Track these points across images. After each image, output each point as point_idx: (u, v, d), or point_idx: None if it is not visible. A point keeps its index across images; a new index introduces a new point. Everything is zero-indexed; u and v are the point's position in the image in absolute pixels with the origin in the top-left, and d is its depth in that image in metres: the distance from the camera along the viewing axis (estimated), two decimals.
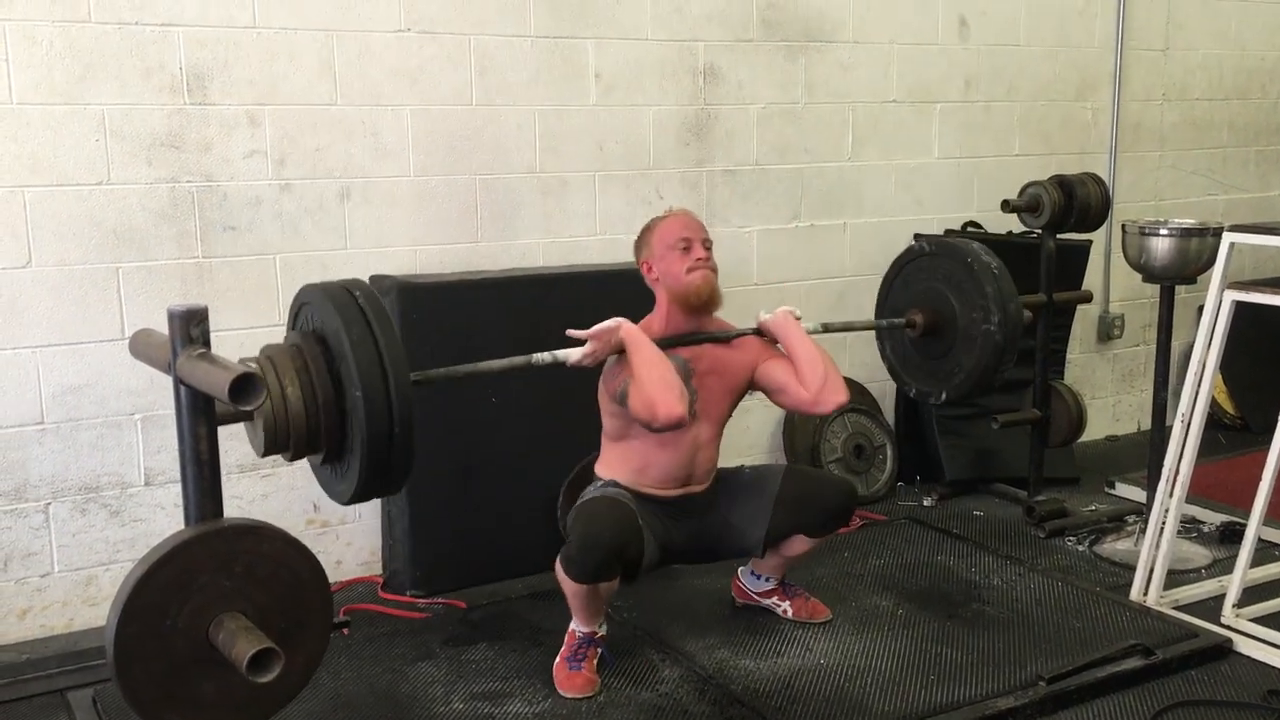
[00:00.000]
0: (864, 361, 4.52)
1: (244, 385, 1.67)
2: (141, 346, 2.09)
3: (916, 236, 4.48)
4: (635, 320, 2.90)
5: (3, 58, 3.03)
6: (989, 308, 3.17)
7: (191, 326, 1.83)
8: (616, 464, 3.00)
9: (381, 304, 2.26)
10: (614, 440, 3.00)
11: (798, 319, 3.05)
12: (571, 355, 2.79)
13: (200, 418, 1.84)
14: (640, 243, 3.03)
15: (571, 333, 2.83)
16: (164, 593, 1.74)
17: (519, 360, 2.75)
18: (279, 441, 2.12)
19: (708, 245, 2.97)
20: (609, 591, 2.90)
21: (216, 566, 1.77)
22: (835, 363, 2.99)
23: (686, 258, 2.92)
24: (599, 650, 2.97)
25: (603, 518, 2.82)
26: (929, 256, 3.39)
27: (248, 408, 1.67)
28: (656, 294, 3.01)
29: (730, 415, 3.11)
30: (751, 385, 3.08)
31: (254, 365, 2.11)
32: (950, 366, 3.31)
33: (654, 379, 2.73)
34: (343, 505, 2.37)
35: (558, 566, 2.84)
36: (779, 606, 3.28)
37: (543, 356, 2.76)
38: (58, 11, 3.07)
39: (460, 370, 2.70)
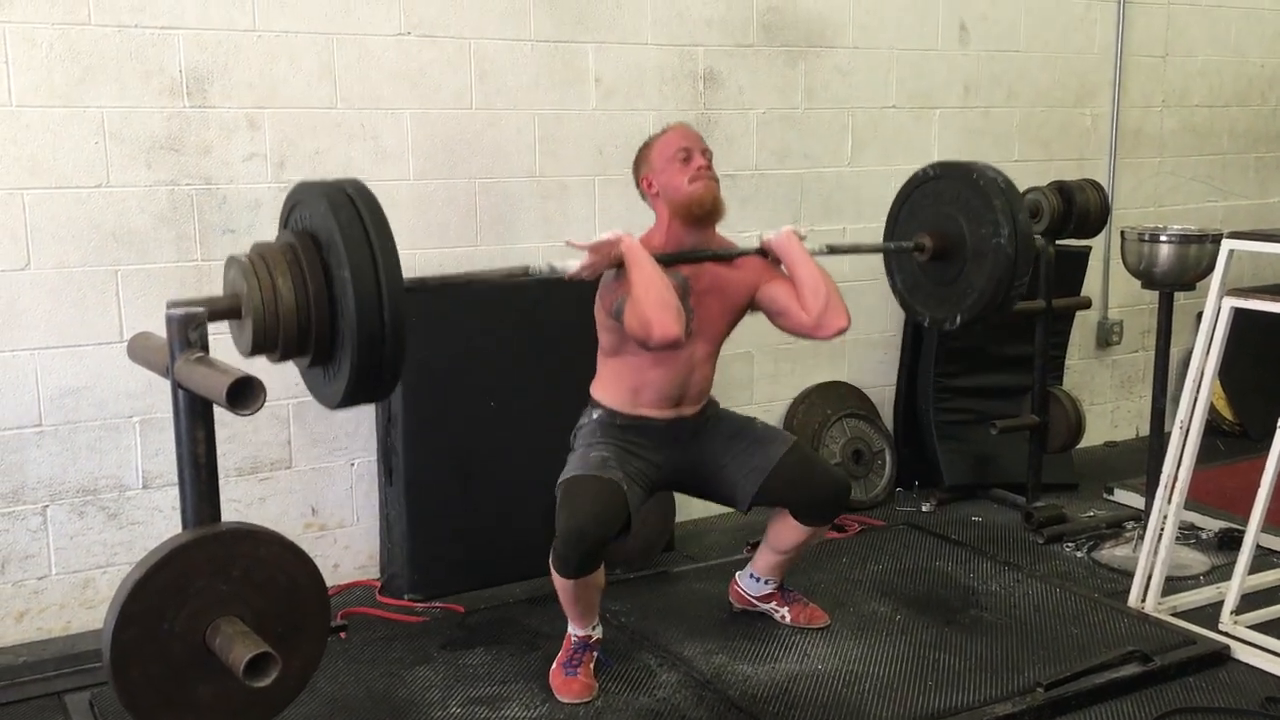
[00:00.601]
0: (862, 367, 4.53)
1: (242, 390, 1.67)
2: (140, 350, 2.08)
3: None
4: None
5: (2, 60, 3.03)
6: (998, 221, 3.03)
7: (190, 330, 1.83)
8: (611, 384, 2.96)
9: (377, 203, 2.17)
10: (609, 356, 2.96)
11: (802, 239, 2.99)
12: (570, 267, 2.73)
13: (198, 421, 1.84)
14: (639, 160, 2.98)
15: (571, 241, 2.78)
16: (161, 596, 1.73)
17: (517, 269, 2.69)
18: (267, 340, 2.05)
19: (708, 155, 2.93)
20: (599, 587, 2.89)
21: (214, 570, 1.76)
22: (837, 286, 2.94)
23: (687, 168, 2.88)
24: (595, 654, 2.96)
25: (584, 511, 2.75)
26: (934, 181, 3.25)
27: (246, 412, 1.67)
28: (656, 210, 2.96)
29: (728, 334, 3.05)
30: (752, 306, 3.03)
31: (244, 260, 2.06)
32: (962, 289, 3.17)
33: (651, 297, 2.68)
34: (331, 409, 2.27)
35: (551, 566, 2.83)
36: (777, 612, 3.28)
37: (540, 266, 2.70)
38: (57, 14, 3.07)
39: (457, 276, 2.63)
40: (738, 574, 3.33)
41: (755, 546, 3.29)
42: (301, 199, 2.22)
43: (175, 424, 1.85)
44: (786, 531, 3.10)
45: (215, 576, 1.76)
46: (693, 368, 2.96)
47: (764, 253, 3.00)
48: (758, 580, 3.28)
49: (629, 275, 2.73)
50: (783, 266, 3.00)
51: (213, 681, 1.78)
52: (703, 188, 2.88)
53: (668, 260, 2.85)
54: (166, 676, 1.75)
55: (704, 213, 2.89)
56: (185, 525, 1.88)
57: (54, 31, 3.08)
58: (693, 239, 2.93)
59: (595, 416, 2.98)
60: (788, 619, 3.26)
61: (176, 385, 1.83)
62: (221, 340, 2.83)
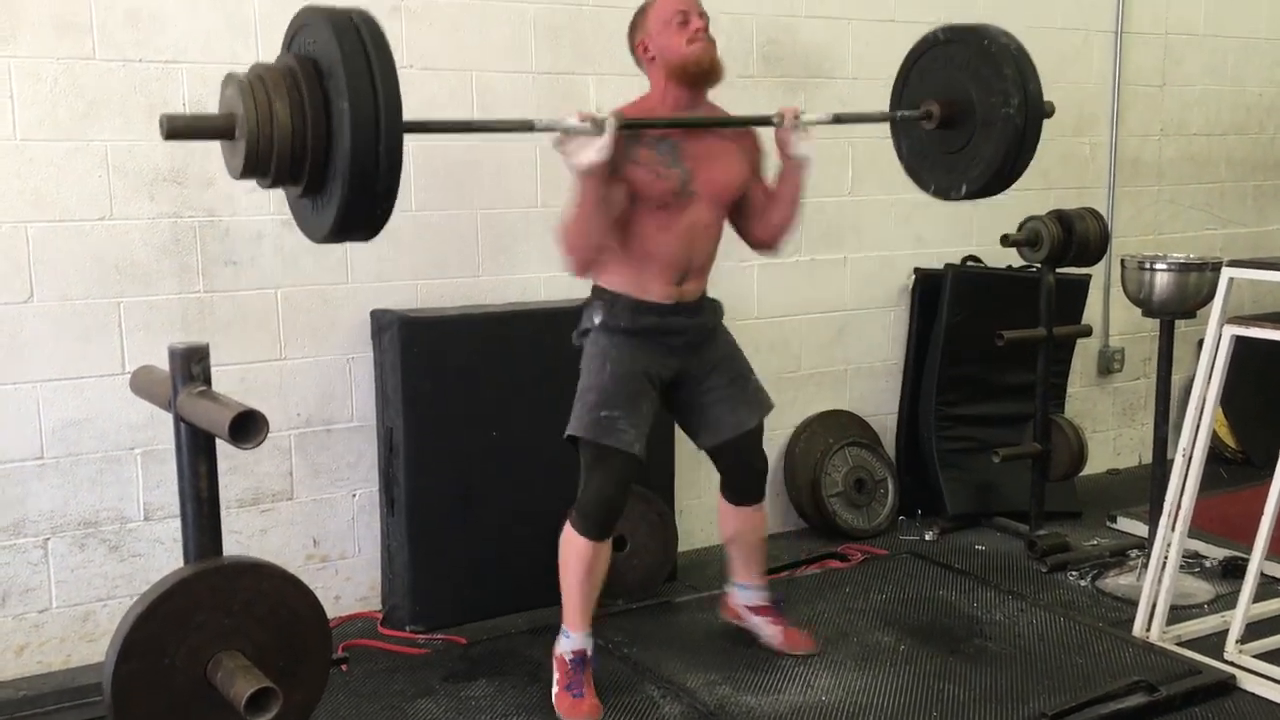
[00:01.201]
0: (864, 396, 4.53)
1: (245, 424, 1.67)
2: (143, 384, 2.09)
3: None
4: None
5: (7, 95, 3.05)
6: (1008, 90, 2.95)
7: (192, 364, 1.83)
8: (616, 259, 2.90)
9: (383, 35, 2.13)
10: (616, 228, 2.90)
11: (800, 117, 2.96)
12: (570, 126, 2.67)
13: (200, 455, 1.84)
14: (634, 25, 2.97)
15: (579, 114, 2.69)
16: (163, 630, 1.73)
17: (521, 121, 2.69)
18: (260, 164, 2.02)
19: (704, 17, 2.91)
20: (606, 565, 2.99)
21: (215, 604, 1.76)
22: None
23: (684, 30, 2.87)
24: (591, 670, 2.97)
25: (613, 481, 2.89)
26: (944, 45, 3.14)
27: (249, 446, 1.67)
28: (652, 74, 2.95)
29: (731, 203, 3.01)
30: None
31: (242, 79, 2.02)
32: (969, 157, 3.08)
33: (578, 224, 2.76)
34: (316, 242, 2.24)
35: (569, 530, 2.92)
36: (767, 629, 3.27)
37: (542, 120, 2.68)
38: (63, 49, 3.09)
39: (455, 123, 2.60)
40: (726, 586, 3.36)
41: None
42: (308, 22, 2.18)
43: (177, 458, 1.85)
44: (728, 518, 3.19)
45: (217, 610, 1.75)
46: (695, 234, 2.93)
47: (772, 125, 2.97)
48: (744, 588, 3.28)
49: (575, 192, 2.73)
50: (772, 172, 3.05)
51: (214, 716, 1.77)
52: (700, 49, 2.88)
53: (683, 123, 2.89)
54: (167, 711, 1.74)
55: (701, 72, 2.90)
56: (187, 558, 1.88)
57: (59, 66, 3.10)
58: (688, 101, 2.93)
59: (600, 321, 2.94)
60: (775, 640, 3.25)
61: (179, 419, 1.83)
62: (222, 373, 2.84)
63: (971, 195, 3.14)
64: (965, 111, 3.07)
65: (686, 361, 3.02)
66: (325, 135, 2.05)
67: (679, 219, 2.89)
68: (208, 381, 1.83)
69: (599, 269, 2.95)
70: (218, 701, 1.73)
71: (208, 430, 1.77)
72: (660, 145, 2.86)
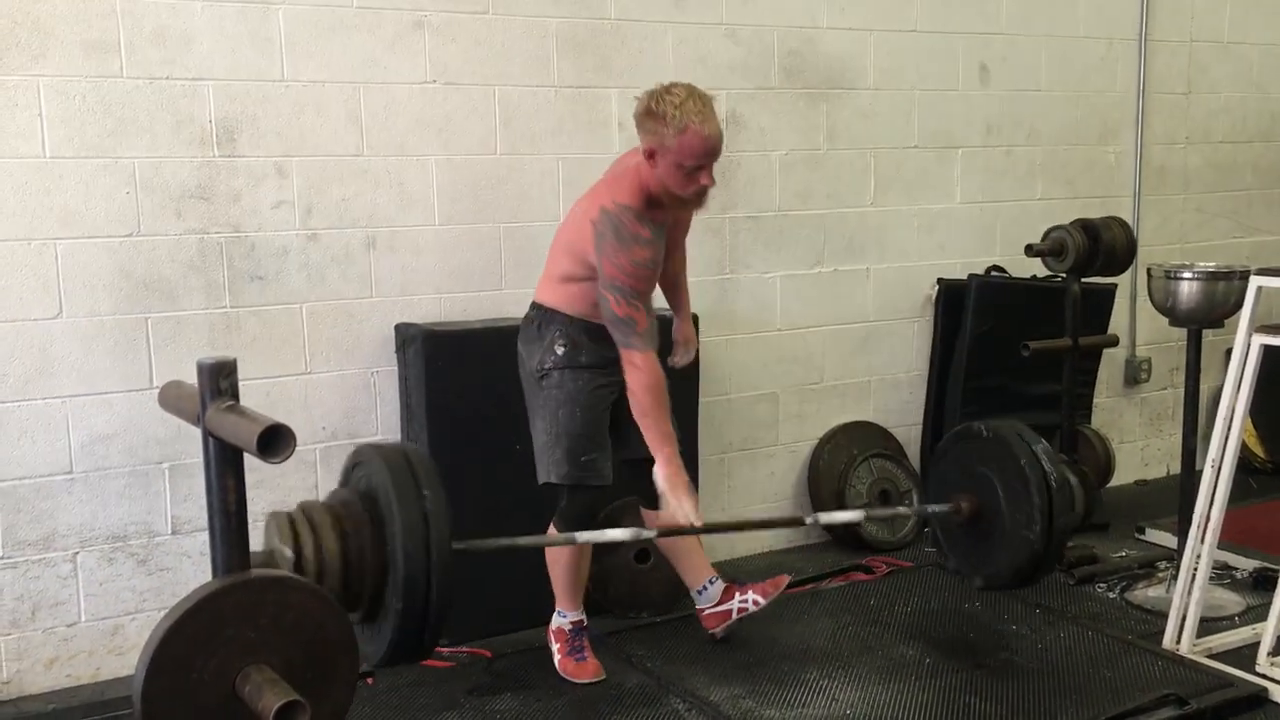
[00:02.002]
0: (888, 407, 4.51)
1: (273, 438, 1.69)
2: (171, 399, 2.11)
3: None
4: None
5: (37, 113, 3.08)
6: (1033, 516, 3.07)
7: (220, 379, 1.85)
8: (579, 297, 3.03)
9: (434, 471, 2.34)
10: (584, 271, 3.00)
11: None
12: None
13: (229, 469, 1.85)
14: (649, 126, 2.90)
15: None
16: (191, 645, 1.74)
17: (561, 538, 3.07)
18: None
19: (713, 168, 2.96)
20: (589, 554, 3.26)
21: (243, 618, 1.77)
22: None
23: (693, 181, 2.91)
24: (587, 636, 3.20)
25: (588, 507, 3.13)
26: (987, 441, 3.24)
27: (277, 460, 1.68)
28: (646, 163, 2.94)
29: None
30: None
31: (282, 517, 2.19)
32: (990, 556, 3.20)
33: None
34: (372, 665, 2.42)
35: (555, 531, 3.10)
36: (745, 601, 3.33)
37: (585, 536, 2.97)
38: (91, 67, 3.13)
39: (501, 543, 2.82)
40: (697, 600, 3.41)
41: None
42: (362, 460, 2.39)
43: (205, 472, 1.87)
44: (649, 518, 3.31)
45: (244, 624, 1.76)
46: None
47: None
48: (700, 590, 3.36)
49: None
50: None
51: None
52: (696, 204, 3.01)
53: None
54: None
55: (676, 210, 3.06)
56: (215, 572, 1.89)
57: (87, 84, 3.13)
58: (664, 213, 3.03)
59: (561, 348, 3.05)
60: (759, 602, 3.32)
61: (207, 434, 1.84)
62: (249, 387, 2.85)
63: (988, 589, 3.34)
64: (991, 518, 3.19)
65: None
66: (379, 568, 2.23)
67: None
68: (235, 396, 1.85)
69: (555, 290, 3.09)
70: (245, 715, 1.74)
71: (235, 445, 1.78)
72: (657, 229, 2.98)
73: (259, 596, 1.78)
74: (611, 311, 2.88)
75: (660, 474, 2.92)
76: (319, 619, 1.84)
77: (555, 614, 3.27)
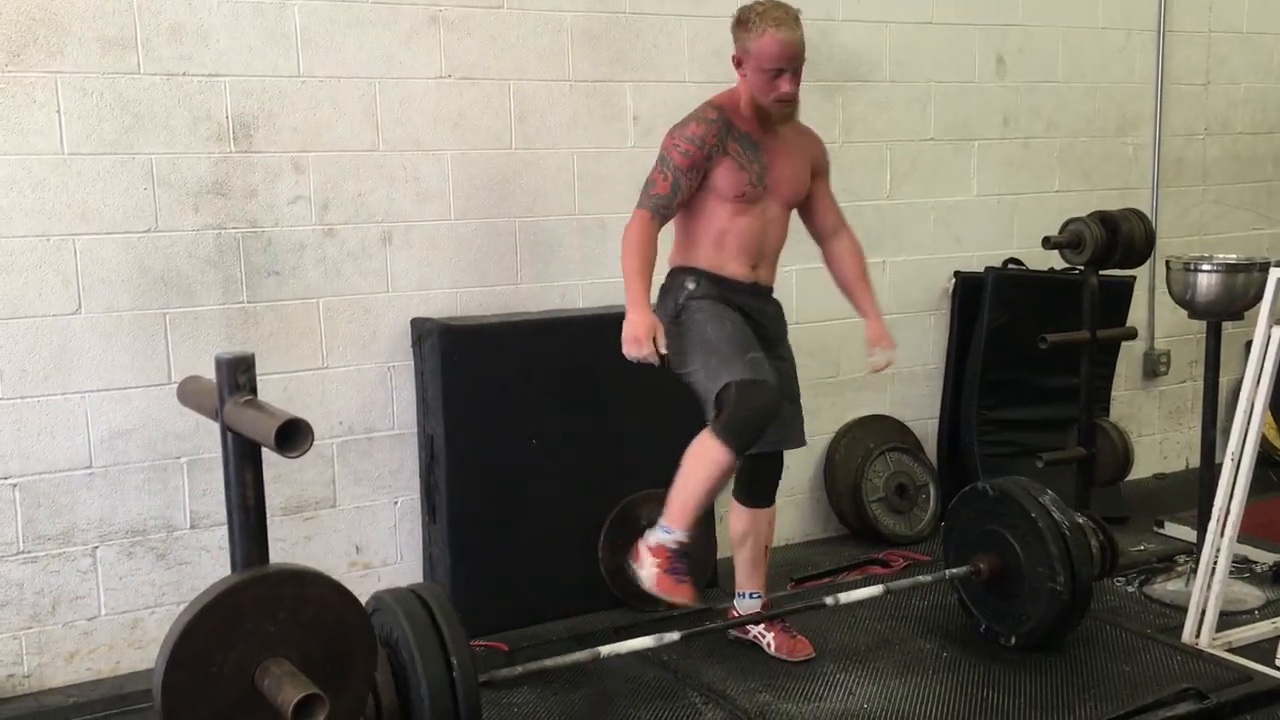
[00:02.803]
0: (905, 400, 4.50)
1: (291, 432, 1.69)
2: (190, 394, 2.11)
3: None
4: None
5: (55, 110, 3.10)
6: (1054, 567, 3.13)
7: (239, 373, 1.85)
8: (695, 240, 3.06)
9: (452, 612, 2.45)
10: (692, 216, 3.05)
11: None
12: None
13: (247, 464, 1.86)
14: (737, 34, 3.00)
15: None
16: (210, 639, 1.75)
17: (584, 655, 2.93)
18: None
19: (798, 72, 2.98)
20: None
21: (262, 612, 1.77)
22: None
23: (775, 85, 2.96)
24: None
25: (761, 406, 2.89)
26: (993, 500, 3.31)
27: (294, 454, 1.69)
28: (740, 77, 3.03)
29: (796, 200, 3.18)
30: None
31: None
32: (1019, 612, 3.25)
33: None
34: None
35: (710, 441, 2.89)
36: (763, 638, 3.28)
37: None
38: (108, 64, 3.14)
39: (528, 668, 2.85)
40: (733, 601, 3.37)
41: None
42: (379, 607, 2.46)
43: (224, 467, 1.87)
44: (736, 519, 3.27)
45: (263, 618, 1.77)
46: (767, 224, 3.09)
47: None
48: (741, 596, 3.32)
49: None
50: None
51: None
52: (779, 112, 3.01)
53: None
54: (216, 719, 1.76)
55: (766, 123, 3.04)
56: (234, 566, 1.90)
57: (104, 81, 3.15)
58: (764, 125, 3.05)
59: (692, 289, 3.05)
60: (772, 647, 3.26)
61: (226, 428, 1.85)
62: (265, 382, 2.86)
63: (1022, 648, 3.27)
64: (1013, 574, 3.24)
65: (765, 350, 3.06)
66: (403, 712, 2.31)
67: (753, 209, 3.05)
68: (254, 391, 1.85)
69: (680, 249, 3.11)
70: (265, 708, 1.75)
71: (254, 439, 1.79)
72: (745, 141, 3.01)
73: (278, 590, 1.79)
74: (650, 174, 2.98)
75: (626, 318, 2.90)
76: (337, 613, 1.85)
77: (659, 528, 3.00)
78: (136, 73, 3.18)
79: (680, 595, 2.97)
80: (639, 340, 2.85)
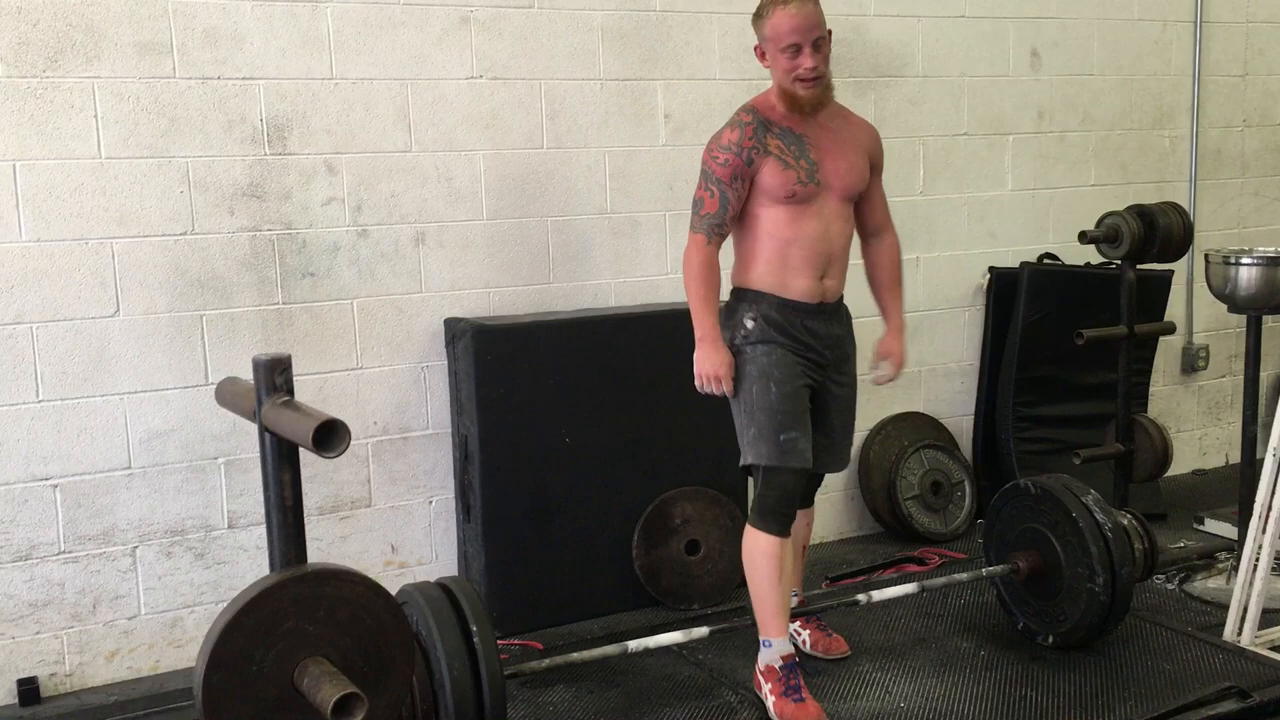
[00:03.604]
0: (939, 397, 4.47)
1: (328, 433, 1.70)
2: (228, 395, 2.13)
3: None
4: None
5: (92, 114, 3.13)
6: (1094, 568, 3.10)
7: (276, 375, 1.86)
8: (757, 256, 2.91)
9: (479, 602, 2.45)
10: (748, 229, 2.92)
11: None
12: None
13: (285, 464, 1.87)
14: (756, 24, 2.89)
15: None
16: (250, 639, 1.76)
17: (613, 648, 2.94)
18: None
19: (820, 45, 2.82)
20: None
21: (300, 611, 1.78)
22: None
23: (794, 63, 2.81)
24: (803, 672, 2.94)
25: (788, 490, 2.87)
26: (1034, 498, 3.28)
27: (332, 455, 1.69)
28: (768, 70, 2.91)
29: (857, 192, 3.00)
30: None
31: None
32: (1058, 612, 3.22)
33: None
34: None
35: (752, 533, 2.88)
36: (799, 636, 3.26)
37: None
38: (144, 68, 3.17)
39: (554, 661, 2.87)
40: None
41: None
42: (407, 600, 2.46)
43: (262, 467, 1.89)
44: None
45: (302, 617, 1.78)
46: (829, 224, 2.92)
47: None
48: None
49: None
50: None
51: None
52: (803, 91, 2.84)
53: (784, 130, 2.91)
54: (256, 717, 1.77)
55: (800, 111, 2.88)
56: (273, 566, 1.91)
57: (141, 85, 3.18)
58: (800, 114, 2.90)
59: (751, 322, 2.90)
60: (808, 644, 3.25)
61: (264, 429, 1.86)
62: (301, 383, 2.88)
63: (1060, 648, 3.24)
64: (1053, 573, 3.22)
65: (826, 378, 3.00)
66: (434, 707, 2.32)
67: (810, 209, 2.89)
68: (290, 392, 1.87)
69: (741, 268, 2.96)
70: (304, 707, 1.76)
71: (291, 440, 1.80)
72: (787, 136, 2.87)
73: (317, 590, 1.80)
74: (696, 193, 2.89)
75: (697, 353, 2.86)
76: (376, 613, 1.85)
77: (761, 645, 2.95)
78: (172, 77, 3.21)
79: (804, 717, 2.85)
80: (714, 380, 2.84)
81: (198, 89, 3.24)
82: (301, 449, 1.84)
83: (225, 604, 1.84)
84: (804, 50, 2.81)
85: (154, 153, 3.21)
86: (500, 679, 2.38)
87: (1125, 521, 3.30)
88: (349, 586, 1.82)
